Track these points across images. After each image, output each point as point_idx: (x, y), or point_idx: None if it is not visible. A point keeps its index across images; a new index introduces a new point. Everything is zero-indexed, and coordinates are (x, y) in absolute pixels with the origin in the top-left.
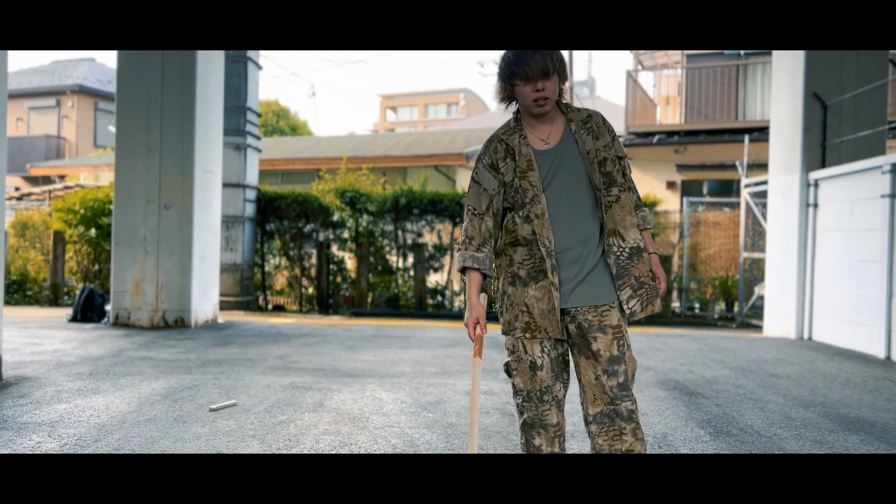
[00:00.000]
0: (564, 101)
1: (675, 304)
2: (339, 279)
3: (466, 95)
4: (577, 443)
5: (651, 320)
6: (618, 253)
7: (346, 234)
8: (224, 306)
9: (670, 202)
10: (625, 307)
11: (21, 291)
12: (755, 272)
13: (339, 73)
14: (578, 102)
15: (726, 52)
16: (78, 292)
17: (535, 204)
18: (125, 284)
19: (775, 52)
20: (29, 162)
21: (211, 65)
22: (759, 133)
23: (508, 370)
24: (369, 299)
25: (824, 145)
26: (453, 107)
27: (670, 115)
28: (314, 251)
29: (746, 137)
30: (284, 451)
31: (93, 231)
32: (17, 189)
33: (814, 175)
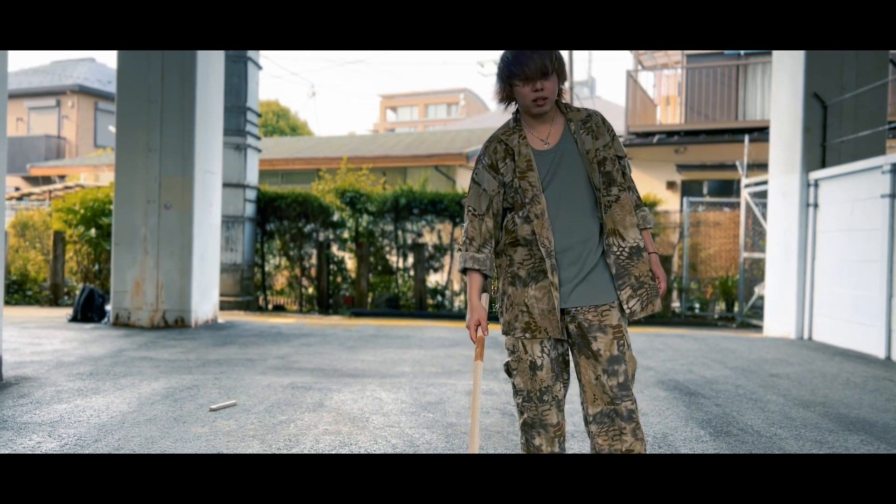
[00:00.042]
0: (564, 101)
1: (676, 304)
2: (339, 279)
3: (466, 95)
4: (577, 443)
5: (651, 320)
6: (618, 252)
7: (346, 234)
8: (224, 306)
9: (670, 202)
10: (625, 307)
11: (21, 291)
12: (755, 272)
13: (339, 73)
14: (578, 102)
15: (726, 52)
16: (78, 292)
17: (534, 204)
18: (125, 284)
19: (775, 52)
20: (29, 162)
21: (211, 65)
22: (759, 133)
23: (508, 370)
24: (369, 299)
25: (824, 145)
26: (453, 107)
27: (670, 115)
28: (314, 251)
29: (746, 137)
30: (284, 451)
31: (93, 231)
32: (17, 189)
33: (814, 175)
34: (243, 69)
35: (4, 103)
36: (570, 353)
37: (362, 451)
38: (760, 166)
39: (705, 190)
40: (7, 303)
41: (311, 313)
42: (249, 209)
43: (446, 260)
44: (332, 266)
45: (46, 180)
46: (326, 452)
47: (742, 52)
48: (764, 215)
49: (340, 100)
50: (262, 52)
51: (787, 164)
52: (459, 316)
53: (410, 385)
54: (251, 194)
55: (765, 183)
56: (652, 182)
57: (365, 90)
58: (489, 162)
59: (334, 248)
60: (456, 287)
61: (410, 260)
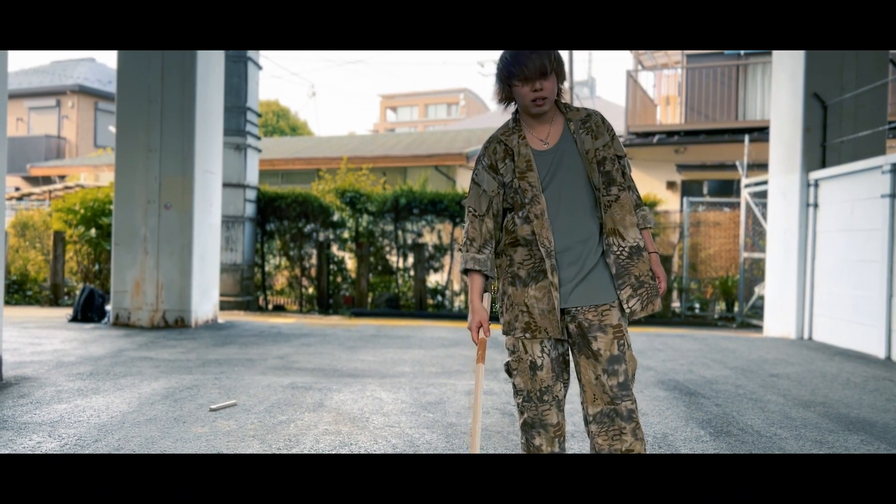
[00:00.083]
0: (563, 101)
1: (676, 304)
2: (339, 279)
3: (466, 95)
4: (577, 443)
5: (651, 320)
6: (618, 252)
7: (346, 234)
8: (224, 306)
9: (670, 202)
10: (625, 306)
11: (21, 291)
12: (755, 272)
13: (339, 73)
14: (578, 102)
15: (726, 52)
16: (78, 292)
17: (534, 204)
18: (125, 284)
19: (775, 52)
20: (29, 162)
21: (211, 65)
22: (759, 133)
23: (509, 370)
24: (369, 299)
25: (824, 145)
26: (453, 107)
27: (670, 115)
28: (314, 251)
29: (746, 137)
30: (284, 451)
31: (93, 231)
32: (17, 189)
33: (814, 175)
34: (243, 69)
35: (4, 103)
36: (570, 352)
37: (362, 451)
38: (760, 166)
39: (705, 190)
40: (7, 303)
41: (311, 313)
42: (249, 209)
43: (446, 260)
44: (332, 266)
45: (46, 180)
46: (326, 452)
47: (742, 52)
48: (764, 215)
49: (340, 100)
50: (262, 52)
51: (787, 164)
52: (459, 316)
53: (410, 385)
54: (251, 194)
55: (765, 183)
56: (652, 182)
57: (365, 90)
58: (489, 162)
59: (334, 248)
60: (456, 287)
61: (410, 260)
